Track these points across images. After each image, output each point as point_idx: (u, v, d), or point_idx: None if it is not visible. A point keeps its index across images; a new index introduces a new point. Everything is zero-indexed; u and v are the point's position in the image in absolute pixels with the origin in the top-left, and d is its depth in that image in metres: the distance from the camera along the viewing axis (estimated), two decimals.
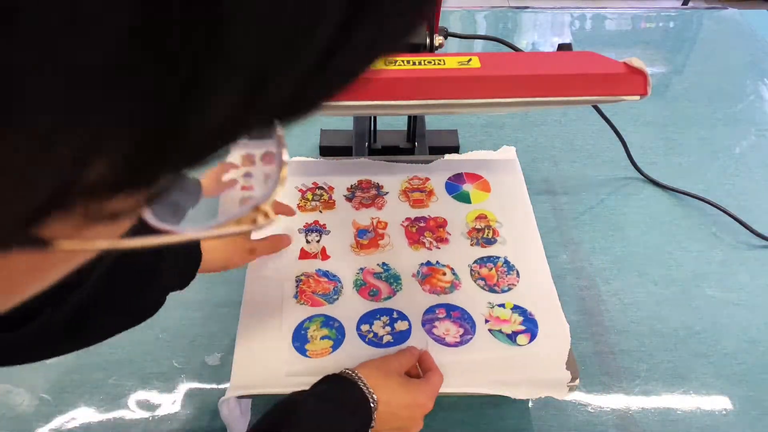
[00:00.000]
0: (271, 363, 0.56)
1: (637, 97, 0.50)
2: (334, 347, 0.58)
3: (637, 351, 0.67)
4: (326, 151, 0.88)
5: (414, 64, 0.48)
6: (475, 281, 0.64)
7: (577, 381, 0.55)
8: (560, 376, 0.56)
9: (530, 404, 0.62)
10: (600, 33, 1.21)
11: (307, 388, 0.54)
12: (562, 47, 0.61)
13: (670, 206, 0.83)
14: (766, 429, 0.61)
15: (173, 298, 0.71)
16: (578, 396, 0.63)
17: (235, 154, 0.25)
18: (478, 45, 1.15)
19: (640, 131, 0.95)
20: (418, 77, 0.47)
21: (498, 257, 0.66)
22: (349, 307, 0.61)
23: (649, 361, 0.66)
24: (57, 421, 0.60)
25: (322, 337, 0.58)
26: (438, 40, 0.58)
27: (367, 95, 0.47)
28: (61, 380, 0.63)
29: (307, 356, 0.57)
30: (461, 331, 0.59)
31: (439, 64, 0.48)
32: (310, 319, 0.60)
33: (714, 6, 1.27)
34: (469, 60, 0.49)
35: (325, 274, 0.65)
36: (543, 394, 0.56)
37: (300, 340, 0.58)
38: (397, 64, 0.48)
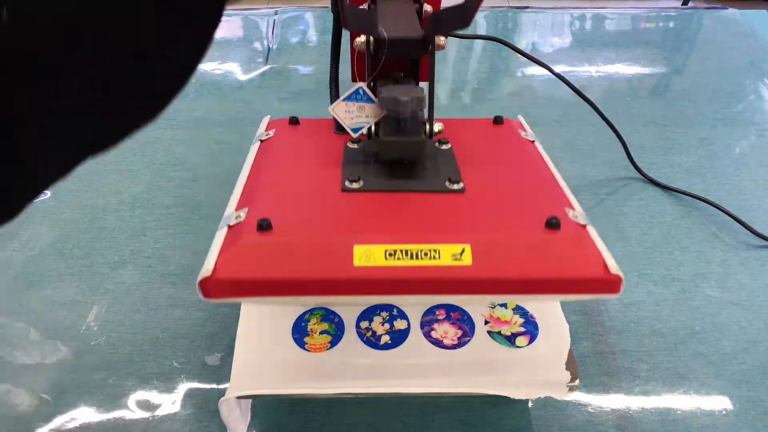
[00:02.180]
0: (270, 359, 0.56)
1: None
2: (333, 343, 0.58)
3: (637, 351, 0.67)
4: None
5: (411, 257, 0.48)
6: None
7: (577, 381, 0.55)
8: (560, 376, 0.56)
9: (530, 404, 0.62)
10: (600, 33, 1.21)
11: (307, 389, 0.55)
12: (497, 121, 0.67)
13: (670, 206, 0.83)
14: (766, 429, 0.61)
15: (173, 297, 0.71)
16: (578, 396, 0.63)
17: None
18: (478, 45, 1.15)
19: (640, 131, 0.95)
20: (406, 279, 0.47)
21: None
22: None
23: (649, 361, 0.66)
24: (57, 421, 0.60)
25: (322, 332, 0.59)
26: (438, 126, 0.58)
27: (353, 291, 0.47)
28: (61, 380, 0.63)
29: (305, 350, 0.57)
30: (460, 333, 0.59)
31: (434, 258, 0.49)
32: (311, 311, 0.60)
33: (714, 6, 1.27)
34: (462, 251, 0.50)
35: None
36: (543, 394, 0.56)
37: (300, 332, 0.59)
38: (396, 256, 0.48)
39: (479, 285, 0.50)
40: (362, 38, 0.59)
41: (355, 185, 0.54)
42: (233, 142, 0.93)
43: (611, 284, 0.47)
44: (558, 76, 0.75)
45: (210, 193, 0.84)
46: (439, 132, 0.60)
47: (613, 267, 0.47)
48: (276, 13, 1.23)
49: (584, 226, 0.52)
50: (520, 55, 0.74)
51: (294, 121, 0.69)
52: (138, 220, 0.80)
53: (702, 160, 0.90)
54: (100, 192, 0.85)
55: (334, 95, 0.72)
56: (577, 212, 0.53)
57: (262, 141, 0.67)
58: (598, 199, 0.84)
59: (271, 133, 0.68)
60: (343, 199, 0.53)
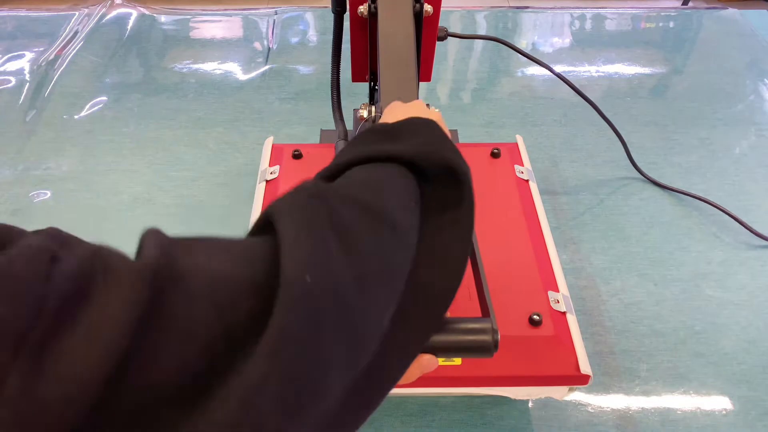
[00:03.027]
0: None
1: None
2: None
3: (637, 351, 0.67)
4: None
5: None
6: None
7: None
8: None
9: (530, 404, 0.62)
10: (600, 33, 1.21)
11: None
12: (494, 154, 0.70)
13: (670, 206, 0.83)
14: (766, 429, 0.61)
15: None
16: (578, 396, 0.63)
17: None
18: (479, 45, 1.15)
19: (640, 131, 0.95)
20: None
21: None
22: None
23: (649, 361, 0.66)
24: None
25: None
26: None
27: None
28: None
29: None
30: None
31: None
32: None
33: (714, 6, 1.27)
34: None
35: None
36: (543, 394, 0.56)
37: None
38: None
39: (467, 381, 0.54)
40: (365, 5, 0.61)
41: None
42: (233, 142, 0.93)
43: (581, 379, 0.53)
44: (558, 76, 0.75)
45: (210, 193, 0.85)
46: None
47: (584, 366, 0.52)
48: (276, 13, 1.23)
49: (564, 314, 0.55)
50: (520, 55, 0.74)
51: (297, 155, 0.70)
52: (138, 220, 0.80)
53: (702, 160, 0.90)
54: (100, 192, 0.85)
55: (336, 103, 0.72)
56: (560, 295, 0.56)
57: (267, 181, 0.68)
58: (598, 199, 0.84)
59: (276, 170, 0.68)
60: None
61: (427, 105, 0.61)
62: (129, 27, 1.18)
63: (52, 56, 1.09)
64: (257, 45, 1.15)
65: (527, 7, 1.26)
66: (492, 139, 0.94)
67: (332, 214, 0.28)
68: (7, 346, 0.18)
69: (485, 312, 0.43)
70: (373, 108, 0.61)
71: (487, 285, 0.43)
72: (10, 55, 1.10)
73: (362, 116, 0.63)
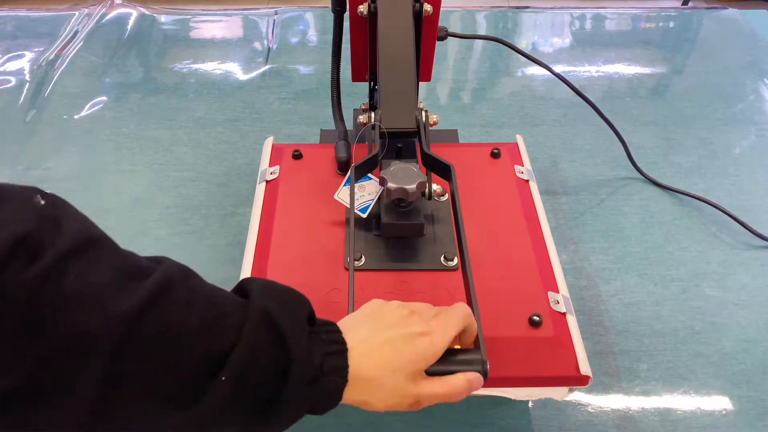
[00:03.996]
0: None
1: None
2: None
3: (637, 351, 0.67)
4: None
5: None
6: None
7: None
8: None
9: (530, 404, 0.62)
10: (600, 33, 1.21)
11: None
12: (494, 154, 0.70)
13: (670, 206, 0.83)
14: (766, 429, 0.61)
15: None
16: (578, 396, 0.63)
17: None
18: (479, 45, 1.15)
19: (640, 131, 0.95)
20: None
21: None
22: None
23: (649, 361, 0.66)
24: None
25: None
26: (435, 189, 0.59)
27: None
28: None
29: None
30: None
31: None
32: None
33: (714, 6, 1.27)
34: None
35: None
36: (543, 395, 0.56)
37: None
38: None
39: None
40: (365, 5, 0.61)
41: (356, 263, 0.57)
42: (233, 142, 0.93)
43: (581, 380, 0.52)
44: (558, 76, 0.75)
45: (210, 193, 0.85)
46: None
47: (584, 368, 0.52)
48: (276, 13, 1.23)
49: (564, 315, 0.55)
50: (520, 55, 0.74)
51: (297, 155, 0.70)
52: (138, 220, 0.80)
53: (702, 160, 0.90)
54: (100, 192, 0.85)
55: (336, 103, 0.72)
56: (560, 296, 0.56)
57: (267, 182, 0.68)
58: (598, 199, 0.84)
59: (276, 170, 0.68)
60: (345, 278, 0.56)
61: (425, 110, 0.61)
62: (129, 27, 1.18)
63: (52, 56, 1.09)
64: (257, 45, 1.15)
65: (527, 7, 1.26)
66: (492, 139, 0.94)
67: None
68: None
69: (475, 342, 0.44)
70: (373, 114, 0.61)
71: (478, 313, 0.44)
72: (10, 55, 1.10)
73: (362, 122, 0.63)
